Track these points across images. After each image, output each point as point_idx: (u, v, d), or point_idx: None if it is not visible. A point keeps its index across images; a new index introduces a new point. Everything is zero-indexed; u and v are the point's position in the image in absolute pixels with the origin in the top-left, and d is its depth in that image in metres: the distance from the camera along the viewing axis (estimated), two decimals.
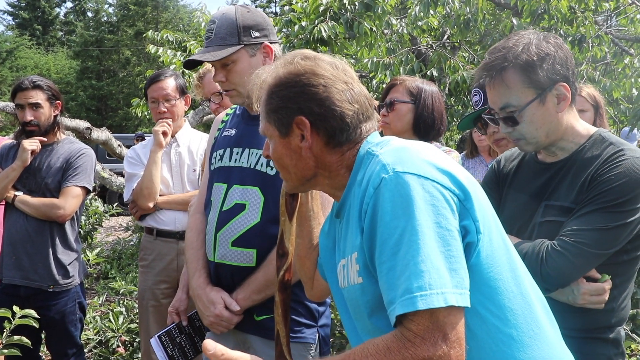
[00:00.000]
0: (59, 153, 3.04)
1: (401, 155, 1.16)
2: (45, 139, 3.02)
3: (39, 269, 2.93)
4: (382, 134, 1.46)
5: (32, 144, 2.95)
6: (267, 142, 1.38)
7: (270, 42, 1.98)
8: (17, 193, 2.97)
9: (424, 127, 2.41)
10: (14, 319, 2.60)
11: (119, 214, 8.76)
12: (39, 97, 2.98)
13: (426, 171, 1.12)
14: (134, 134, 15.02)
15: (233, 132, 2.03)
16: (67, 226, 3.01)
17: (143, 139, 10.76)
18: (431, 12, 5.69)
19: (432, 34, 7.22)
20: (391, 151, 1.19)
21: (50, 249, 2.95)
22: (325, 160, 1.30)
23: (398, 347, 1.03)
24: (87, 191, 3.05)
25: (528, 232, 1.67)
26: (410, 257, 1.05)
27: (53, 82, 3.18)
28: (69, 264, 2.99)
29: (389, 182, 1.11)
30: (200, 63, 2.10)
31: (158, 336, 2.29)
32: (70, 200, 2.94)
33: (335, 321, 3.66)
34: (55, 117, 3.05)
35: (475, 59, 6.22)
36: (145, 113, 7.28)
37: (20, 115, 3.03)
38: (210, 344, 1.08)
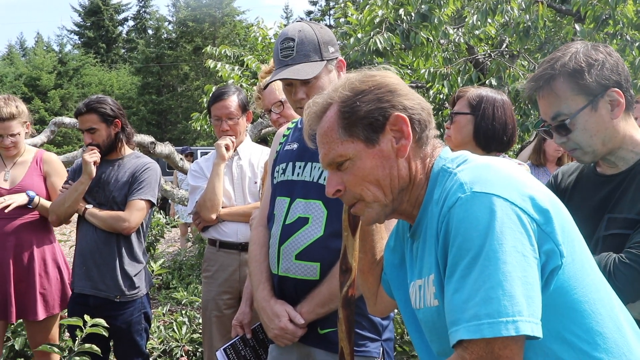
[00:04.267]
0: (126, 167, 3.14)
1: (480, 175, 1.13)
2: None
3: (107, 279, 3.03)
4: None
5: (92, 156, 3.05)
6: (330, 178, 1.28)
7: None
8: (87, 206, 3.08)
9: (485, 138, 2.35)
10: (85, 328, 2.71)
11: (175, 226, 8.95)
12: (93, 121, 3.07)
13: (505, 192, 1.08)
14: (191, 148, 15.28)
15: (295, 146, 2.05)
16: (134, 238, 3.10)
17: (192, 154, 10.97)
18: (489, 20, 5.61)
19: (490, 42, 7.11)
20: (470, 169, 1.16)
21: (117, 261, 3.04)
22: (415, 167, 1.25)
23: None
24: (151, 204, 3.13)
25: (591, 247, 1.62)
26: (482, 282, 1.01)
27: (115, 97, 3.29)
28: (135, 275, 3.08)
29: (464, 202, 1.08)
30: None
31: (223, 349, 2.33)
32: (135, 213, 3.03)
33: (396, 335, 3.63)
34: (116, 134, 3.14)
35: (535, 67, 6.06)
36: (206, 127, 7.45)
37: (84, 138, 3.18)
38: None
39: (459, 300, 1.04)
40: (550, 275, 1.07)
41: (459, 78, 5.44)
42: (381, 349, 1.92)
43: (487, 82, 5.52)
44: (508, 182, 1.11)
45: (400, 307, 1.42)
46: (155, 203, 3.19)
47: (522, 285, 1.01)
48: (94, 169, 3.04)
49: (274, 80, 1.95)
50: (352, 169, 1.25)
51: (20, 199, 3.19)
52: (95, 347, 2.72)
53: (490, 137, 2.35)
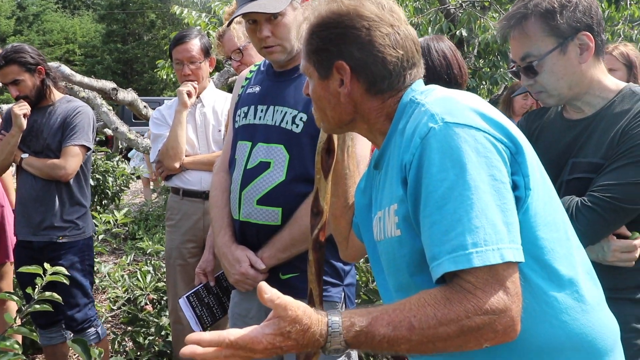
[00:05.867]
0: (57, 113, 3.09)
1: (449, 105, 1.10)
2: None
3: (49, 223, 3.04)
4: None
5: (21, 109, 3.02)
6: (308, 80, 1.32)
7: None
8: (23, 155, 3.07)
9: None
10: (45, 276, 2.66)
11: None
12: (14, 72, 3.01)
13: (477, 122, 1.07)
14: (157, 98, 14.92)
15: (257, 89, 2.00)
16: (73, 183, 3.09)
17: None
18: None
19: None
20: (438, 100, 1.13)
21: (58, 205, 3.05)
22: (365, 107, 1.24)
23: (459, 298, 0.99)
24: (87, 149, 3.11)
25: (555, 191, 1.63)
26: (463, 212, 1.00)
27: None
28: (76, 218, 3.10)
29: (438, 132, 1.05)
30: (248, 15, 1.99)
31: (186, 297, 2.31)
32: (70, 159, 3.01)
33: (360, 282, 3.68)
34: (42, 81, 3.07)
35: None
36: (171, 75, 7.28)
37: (10, 92, 3.10)
38: (266, 287, 1.04)
39: (438, 232, 1.02)
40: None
41: (429, 28, 5.37)
42: (343, 293, 1.93)
43: (457, 32, 5.46)
44: (477, 112, 1.09)
45: (367, 246, 1.41)
46: (91, 147, 3.15)
47: (501, 213, 1.01)
48: (24, 122, 3.02)
49: (238, 15, 1.87)
50: (311, 87, 1.29)
51: None
52: (56, 296, 2.68)
53: (431, 80, 2.27)
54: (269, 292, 1.04)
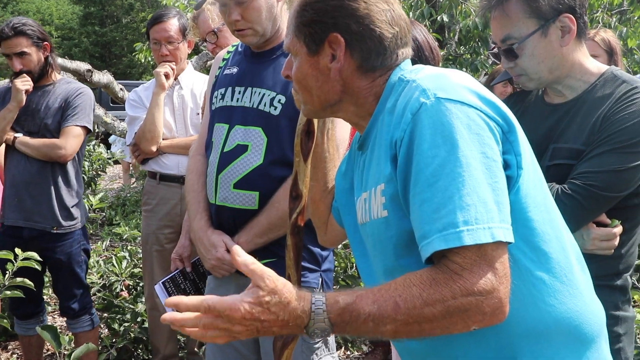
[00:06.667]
0: (57, 93, 2.97)
1: (441, 82, 1.07)
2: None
3: (43, 210, 2.91)
4: None
5: (24, 84, 2.88)
6: (289, 60, 1.26)
7: None
8: (16, 135, 2.92)
9: None
10: (16, 262, 2.60)
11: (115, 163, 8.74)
12: (23, 44, 2.88)
13: (469, 99, 1.04)
14: (135, 82, 14.72)
15: (235, 70, 1.95)
16: (70, 167, 2.97)
17: None
18: None
19: None
20: (430, 77, 1.10)
21: (53, 190, 2.92)
22: (354, 85, 1.19)
23: (445, 279, 0.96)
24: (87, 130, 3.00)
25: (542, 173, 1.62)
26: (455, 189, 0.97)
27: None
28: (72, 206, 2.98)
29: (429, 108, 1.02)
30: None
31: (162, 282, 2.28)
32: (70, 140, 2.89)
33: (339, 269, 3.67)
34: (46, 58, 2.96)
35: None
36: (149, 59, 7.15)
37: (10, 64, 2.97)
38: (239, 250, 1.02)
39: (428, 209, 0.99)
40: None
41: (410, 13, 5.33)
42: (320, 279, 1.90)
43: (438, 18, 5.43)
44: (470, 89, 1.07)
45: (348, 231, 1.38)
46: (91, 129, 3.05)
47: (492, 192, 0.99)
48: (24, 97, 2.88)
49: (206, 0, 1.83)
50: (296, 65, 1.23)
51: None
52: (27, 281, 2.63)
53: None
54: (242, 255, 1.02)
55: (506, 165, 1.05)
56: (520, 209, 1.07)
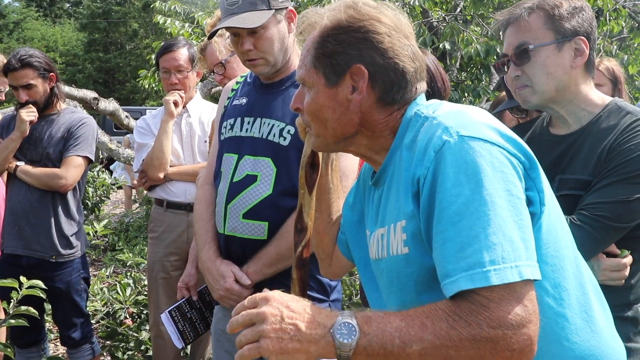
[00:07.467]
0: (60, 123, 3.01)
1: (463, 119, 1.07)
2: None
3: (42, 239, 2.93)
4: None
5: (29, 115, 2.91)
6: (299, 92, 1.25)
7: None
8: (18, 163, 2.96)
9: None
10: (20, 290, 2.59)
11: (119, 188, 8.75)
12: (29, 76, 2.92)
13: (491, 136, 1.03)
14: (139, 107, 14.77)
15: (244, 100, 1.97)
16: (70, 196, 2.99)
17: None
18: None
19: (444, 7, 7.07)
20: (450, 114, 1.10)
21: (53, 220, 2.94)
22: (372, 118, 1.18)
23: (471, 309, 0.94)
24: (89, 161, 3.02)
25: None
26: (480, 228, 0.96)
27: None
28: (71, 235, 2.99)
29: (453, 146, 1.02)
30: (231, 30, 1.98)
31: (169, 311, 2.27)
32: (71, 170, 2.92)
33: (345, 296, 3.65)
34: (52, 89, 3.00)
35: (489, 33, 6.08)
36: (153, 85, 7.21)
37: (16, 95, 3.00)
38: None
39: (452, 248, 0.98)
40: None
41: None
42: (329, 309, 1.89)
43: (440, 45, 5.49)
44: (491, 127, 1.07)
45: (358, 265, 1.37)
46: (93, 160, 3.08)
47: (518, 229, 0.98)
48: (28, 128, 2.91)
49: (219, 29, 1.85)
50: (310, 97, 1.21)
51: None
52: (32, 310, 2.61)
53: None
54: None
55: (529, 202, 1.05)
56: (542, 245, 1.07)
